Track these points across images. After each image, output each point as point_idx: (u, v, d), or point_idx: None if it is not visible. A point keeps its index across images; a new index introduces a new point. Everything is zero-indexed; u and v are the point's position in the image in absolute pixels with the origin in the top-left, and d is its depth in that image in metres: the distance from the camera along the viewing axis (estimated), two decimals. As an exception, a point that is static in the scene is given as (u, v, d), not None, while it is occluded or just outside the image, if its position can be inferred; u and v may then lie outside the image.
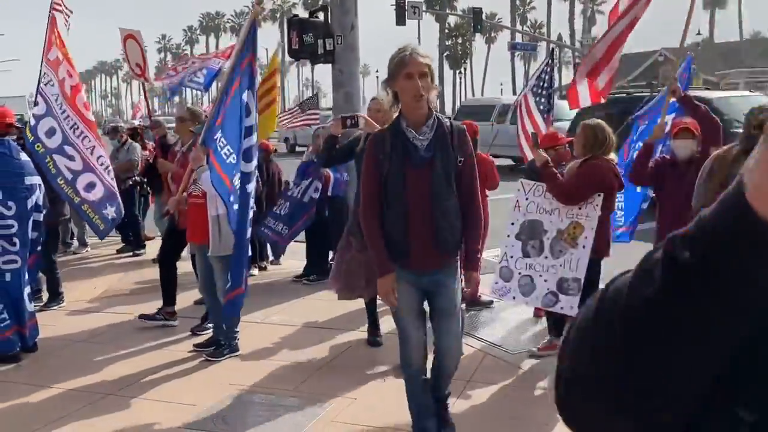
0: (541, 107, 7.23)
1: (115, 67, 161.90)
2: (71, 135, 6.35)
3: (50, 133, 6.22)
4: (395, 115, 3.80)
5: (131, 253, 9.56)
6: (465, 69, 71.70)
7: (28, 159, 5.48)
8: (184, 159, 5.96)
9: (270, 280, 7.94)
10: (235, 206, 4.89)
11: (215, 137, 4.80)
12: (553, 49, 7.80)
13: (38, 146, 6.09)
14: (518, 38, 54.26)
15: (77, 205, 6.35)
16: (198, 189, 5.29)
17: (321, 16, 8.29)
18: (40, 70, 6.42)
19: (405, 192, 3.49)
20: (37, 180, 5.44)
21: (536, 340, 5.62)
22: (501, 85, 79.46)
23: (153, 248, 9.58)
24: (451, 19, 67.58)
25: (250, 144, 5.00)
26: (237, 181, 4.89)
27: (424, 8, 40.49)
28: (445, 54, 68.53)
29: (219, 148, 4.80)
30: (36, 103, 6.45)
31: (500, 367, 5.11)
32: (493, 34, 74.11)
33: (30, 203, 5.34)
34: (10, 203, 5.21)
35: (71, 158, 6.22)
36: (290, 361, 5.33)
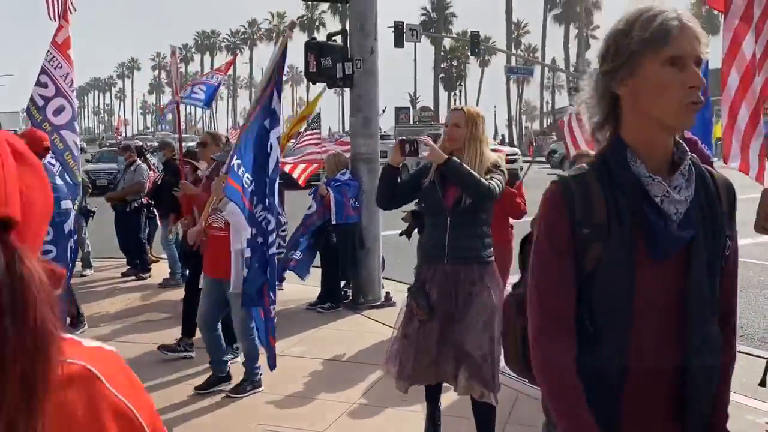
0: None
1: (109, 83, 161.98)
2: (76, 113, 6.54)
3: (59, 111, 6.28)
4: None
5: (135, 277, 9.36)
6: (460, 91, 71.95)
7: (62, 182, 5.34)
8: (207, 184, 5.86)
9: (280, 307, 7.74)
10: (259, 238, 4.81)
11: (232, 164, 4.72)
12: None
13: (45, 125, 6.09)
14: (513, 61, 54.53)
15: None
16: (220, 220, 5.06)
17: (339, 39, 8.18)
18: (48, 53, 6.42)
19: (631, 307, 1.67)
20: (70, 204, 5.32)
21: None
22: (495, 107, 79.92)
23: (158, 271, 9.41)
24: (447, 42, 67.98)
25: (271, 173, 4.83)
26: (259, 212, 4.79)
27: (420, 31, 40.69)
28: (440, 76, 68.77)
29: (241, 175, 4.74)
30: (45, 85, 6.40)
31: (536, 407, 4.92)
32: (487, 57, 74.50)
33: (67, 227, 5.21)
34: (48, 228, 5.02)
35: (77, 135, 6.36)
36: (318, 398, 5.12)
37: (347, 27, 8.22)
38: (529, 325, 1.79)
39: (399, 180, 4.09)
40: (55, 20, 6.53)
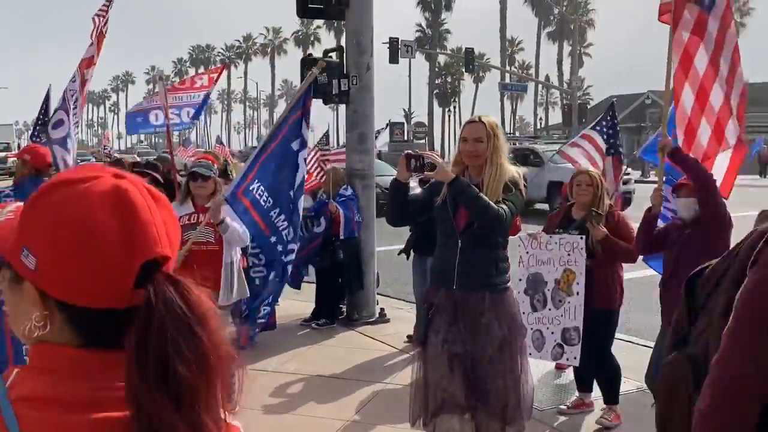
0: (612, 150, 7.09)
1: (103, 97, 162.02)
2: (73, 131, 6.60)
3: (58, 124, 6.40)
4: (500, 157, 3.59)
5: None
6: (454, 107, 72.28)
7: None
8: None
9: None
10: (279, 246, 5.07)
11: (251, 188, 4.79)
12: (613, 102, 7.72)
13: (43, 136, 6.24)
14: (507, 78, 54.85)
15: None
16: (210, 235, 4.84)
17: (335, 55, 8.21)
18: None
19: None
20: None
21: (562, 395, 5.47)
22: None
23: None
24: (441, 58, 68.33)
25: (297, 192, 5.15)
26: (278, 220, 5.03)
27: (415, 47, 40.90)
28: (434, 92, 69.07)
29: (258, 197, 4.81)
30: (62, 97, 6.88)
31: (532, 425, 4.91)
32: (481, 74, 74.91)
33: None
34: None
35: (69, 152, 6.35)
36: (312, 415, 5.10)
37: (343, 43, 8.25)
38: (712, 400, 1.35)
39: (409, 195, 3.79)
40: (92, 40, 6.90)
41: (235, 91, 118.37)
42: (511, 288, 3.76)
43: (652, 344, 6.70)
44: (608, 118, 7.24)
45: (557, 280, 4.91)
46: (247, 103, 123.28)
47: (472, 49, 38.82)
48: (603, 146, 6.98)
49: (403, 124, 55.20)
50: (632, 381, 5.41)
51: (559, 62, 68.25)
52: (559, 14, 64.08)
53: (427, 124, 62.44)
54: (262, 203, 4.88)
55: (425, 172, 3.61)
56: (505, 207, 3.53)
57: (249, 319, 5.13)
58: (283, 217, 5.02)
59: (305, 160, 5.26)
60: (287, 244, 5.10)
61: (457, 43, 71.69)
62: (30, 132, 11.10)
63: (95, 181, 0.92)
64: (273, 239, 5.02)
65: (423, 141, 55.45)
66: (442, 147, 73.37)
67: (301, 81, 8.34)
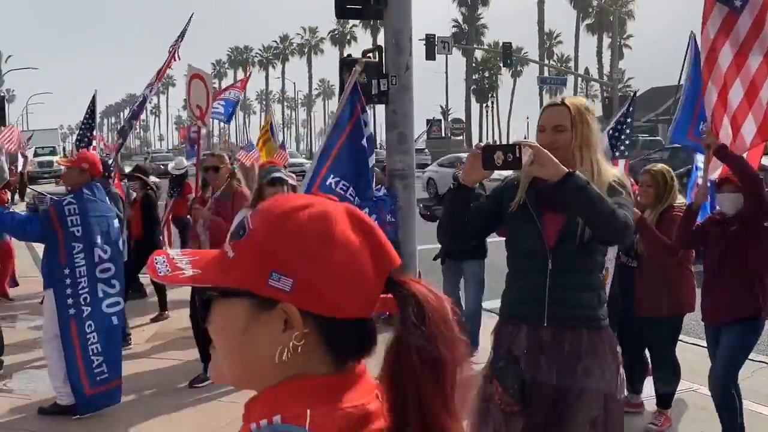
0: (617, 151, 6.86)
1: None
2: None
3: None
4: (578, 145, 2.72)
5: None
6: (492, 102, 71.83)
7: (108, 201, 5.49)
8: (217, 206, 5.90)
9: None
10: None
11: (328, 183, 4.95)
12: (634, 93, 7.54)
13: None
14: (546, 72, 54.29)
15: None
16: None
17: (374, 56, 8.22)
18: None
19: None
20: (117, 223, 5.49)
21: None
22: (527, 118, 79.47)
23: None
24: (478, 54, 67.97)
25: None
26: (372, 217, 5.21)
27: (452, 43, 40.74)
28: (471, 88, 68.71)
29: (342, 192, 5.02)
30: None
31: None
32: (519, 68, 74.28)
33: (120, 245, 5.44)
34: (106, 247, 5.22)
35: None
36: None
37: (381, 43, 8.26)
38: None
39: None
40: (177, 59, 7.55)
41: (273, 92, 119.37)
42: (609, 325, 2.86)
43: (695, 341, 6.62)
44: (626, 112, 6.95)
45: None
46: (285, 103, 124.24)
47: (510, 43, 38.56)
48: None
49: (440, 120, 55.07)
50: (683, 381, 5.32)
51: (599, 54, 67.31)
52: (598, 6, 63.20)
53: (464, 120, 62.20)
54: (348, 197, 5.00)
55: (520, 168, 2.61)
56: (626, 212, 2.63)
57: None
58: (368, 211, 5.19)
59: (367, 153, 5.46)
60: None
61: (493, 38, 71.36)
62: (75, 136, 11.39)
63: (319, 205, 0.96)
64: None
65: (461, 137, 55.31)
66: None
67: (340, 81, 8.39)
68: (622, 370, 2.80)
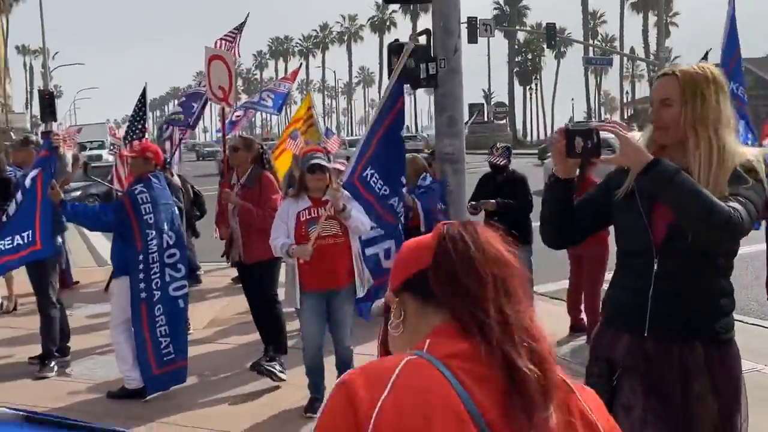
0: None
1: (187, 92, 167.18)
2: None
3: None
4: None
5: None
6: (536, 84, 70.91)
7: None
8: (244, 192, 5.76)
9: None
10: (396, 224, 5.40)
11: (364, 174, 4.84)
12: (707, 52, 7.31)
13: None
14: (590, 52, 53.35)
15: None
16: (335, 228, 4.76)
17: (422, 39, 8.17)
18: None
19: None
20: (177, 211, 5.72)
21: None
22: (572, 100, 78.38)
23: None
24: (520, 35, 67.10)
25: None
26: (399, 208, 5.28)
27: (494, 25, 40.28)
28: (514, 70, 67.92)
29: (373, 185, 4.95)
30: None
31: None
32: (562, 49, 73.13)
33: (182, 231, 5.63)
34: (171, 233, 5.39)
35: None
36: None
37: (423, 27, 8.22)
38: None
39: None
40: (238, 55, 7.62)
41: (313, 81, 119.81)
42: (734, 340, 2.45)
43: (758, 321, 6.46)
44: None
45: None
46: (326, 92, 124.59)
47: (554, 24, 37.92)
48: None
49: (482, 104, 54.59)
50: (745, 361, 5.21)
51: (645, 33, 65.87)
52: (643, -17, 61.85)
53: (507, 103, 61.56)
54: (377, 189, 5.01)
55: (599, 157, 2.30)
56: (737, 207, 2.19)
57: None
58: (401, 204, 5.31)
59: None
60: (400, 235, 5.34)
61: (536, 19, 70.29)
62: (121, 129, 11.62)
63: None
64: (401, 228, 5.32)
65: (504, 121, 54.73)
66: (524, 126, 72.15)
67: (388, 67, 8.36)
68: (745, 394, 2.44)
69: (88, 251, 12.78)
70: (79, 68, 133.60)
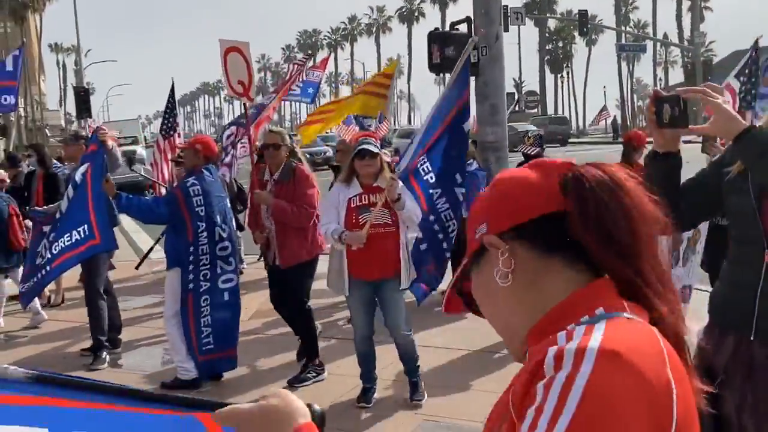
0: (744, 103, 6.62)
1: (217, 87, 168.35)
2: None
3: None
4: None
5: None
6: (567, 73, 70.13)
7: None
8: (278, 189, 5.43)
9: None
10: (435, 226, 5.07)
11: (419, 167, 4.87)
12: (757, 40, 7.14)
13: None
14: (623, 39, 52.55)
15: None
16: (387, 217, 4.71)
17: (462, 28, 8.10)
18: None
19: None
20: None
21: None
22: (604, 88, 77.40)
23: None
24: (551, 23, 66.38)
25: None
26: (439, 201, 5.04)
27: (524, 13, 39.85)
28: (545, 58, 67.22)
29: (423, 173, 4.85)
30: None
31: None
32: (594, 36, 72.20)
33: (233, 225, 5.63)
34: (224, 226, 5.43)
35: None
36: (483, 390, 5.10)
37: (450, 19, 8.16)
38: None
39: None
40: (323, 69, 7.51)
41: (342, 74, 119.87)
42: None
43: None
44: (749, 62, 6.68)
45: (689, 238, 4.90)
46: (354, 85, 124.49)
47: (586, 11, 37.39)
48: (737, 99, 6.47)
49: (513, 93, 54.15)
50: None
51: (678, 18, 64.62)
52: (676, -33, 60.78)
53: (538, 92, 61.00)
54: (426, 180, 4.90)
55: (687, 126, 2.06)
56: None
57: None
58: (444, 199, 5.03)
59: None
60: (447, 228, 5.14)
61: (566, 6, 69.36)
62: (151, 126, 11.80)
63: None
64: (431, 218, 5.03)
65: (535, 110, 54.24)
66: (556, 115, 71.53)
67: (429, 57, 8.30)
68: None
69: (129, 246, 12.91)
70: (110, 65, 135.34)
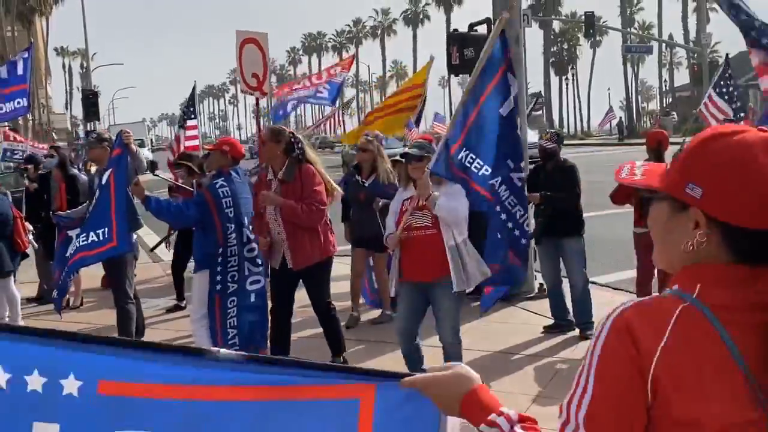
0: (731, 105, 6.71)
1: (222, 90, 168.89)
2: None
3: None
4: None
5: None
6: (573, 74, 70.12)
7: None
8: (285, 189, 5.25)
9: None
10: (502, 215, 4.83)
11: (459, 157, 4.66)
12: (727, 55, 7.32)
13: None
14: (628, 40, 52.52)
15: None
16: (426, 218, 4.66)
17: (481, 29, 8.11)
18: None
19: None
20: None
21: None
22: (609, 90, 77.35)
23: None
24: (555, 25, 66.39)
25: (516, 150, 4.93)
26: (500, 189, 4.81)
27: (530, 15, 39.88)
28: (550, 60, 67.20)
29: (468, 165, 4.68)
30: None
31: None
32: (598, 38, 72.17)
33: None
34: (251, 227, 5.43)
35: None
36: (499, 390, 5.10)
37: (454, 25, 8.18)
38: None
39: None
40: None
41: (349, 77, 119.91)
42: None
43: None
44: (726, 76, 6.78)
45: None
46: (359, 87, 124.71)
47: (592, 12, 37.45)
48: (729, 110, 6.51)
49: (540, 93, 54.04)
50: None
51: (684, 19, 64.55)
52: (682, -32, 60.76)
53: (543, 94, 60.93)
54: (477, 171, 4.71)
55: None
56: None
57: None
58: (504, 187, 4.79)
59: (514, 112, 4.95)
60: (515, 215, 4.85)
61: (570, 8, 69.38)
62: (177, 125, 11.86)
63: (746, 133, 1.18)
64: (497, 208, 4.82)
65: (540, 112, 54.21)
66: (561, 117, 71.44)
67: (448, 59, 8.32)
68: None
69: (140, 249, 12.95)
70: (114, 68, 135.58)
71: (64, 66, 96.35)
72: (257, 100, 6.53)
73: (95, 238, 5.54)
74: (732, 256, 1.16)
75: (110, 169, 5.65)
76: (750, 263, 1.15)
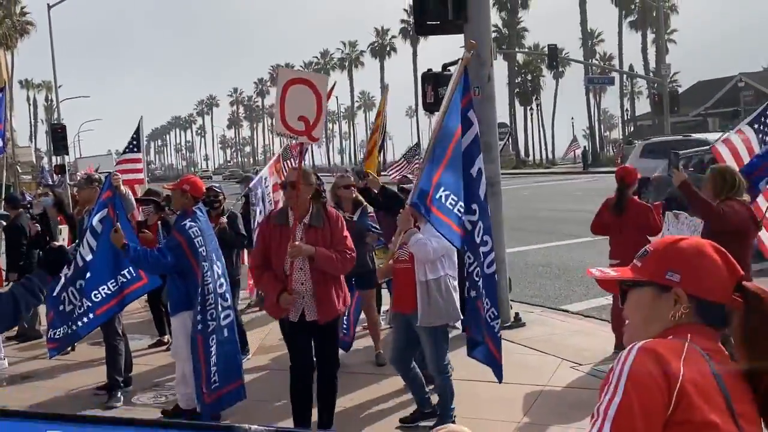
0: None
1: (189, 121, 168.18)
2: None
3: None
4: None
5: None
6: (537, 105, 71.31)
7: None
8: (315, 234, 4.89)
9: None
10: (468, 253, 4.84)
11: (437, 196, 4.60)
12: None
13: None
14: (590, 71, 53.82)
15: None
16: (405, 253, 4.95)
17: (454, 69, 8.44)
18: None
19: None
20: None
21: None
22: (572, 119, 78.82)
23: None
24: (519, 57, 67.69)
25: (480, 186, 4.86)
26: (469, 226, 4.75)
27: (495, 48, 40.76)
28: (515, 91, 68.36)
29: (443, 200, 4.61)
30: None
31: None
32: (561, 69, 73.66)
33: (223, 260, 5.68)
34: (219, 262, 5.51)
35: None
36: (482, 417, 5.32)
37: (457, 49, 8.50)
38: None
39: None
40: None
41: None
42: None
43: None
44: (766, 114, 6.97)
45: None
46: (328, 117, 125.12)
47: (555, 45, 38.47)
48: (756, 147, 6.75)
49: (505, 123, 54.69)
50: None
51: (644, 51, 66.30)
52: (640, 2, 62.52)
53: (509, 124, 61.88)
54: (456, 211, 4.64)
55: None
56: None
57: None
58: (481, 226, 4.77)
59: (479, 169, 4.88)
60: (484, 251, 4.79)
61: (533, 40, 70.74)
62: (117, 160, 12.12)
63: (692, 238, 1.74)
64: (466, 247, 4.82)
65: (506, 142, 55.03)
66: (526, 146, 72.54)
67: (423, 97, 8.63)
68: None
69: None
70: (80, 100, 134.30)
71: (28, 99, 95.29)
72: (301, 144, 5.40)
73: (124, 279, 5.72)
74: (703, 320, 1.61)
75: (105, 212, 5.78)
76: (714, 328, 1.61)
